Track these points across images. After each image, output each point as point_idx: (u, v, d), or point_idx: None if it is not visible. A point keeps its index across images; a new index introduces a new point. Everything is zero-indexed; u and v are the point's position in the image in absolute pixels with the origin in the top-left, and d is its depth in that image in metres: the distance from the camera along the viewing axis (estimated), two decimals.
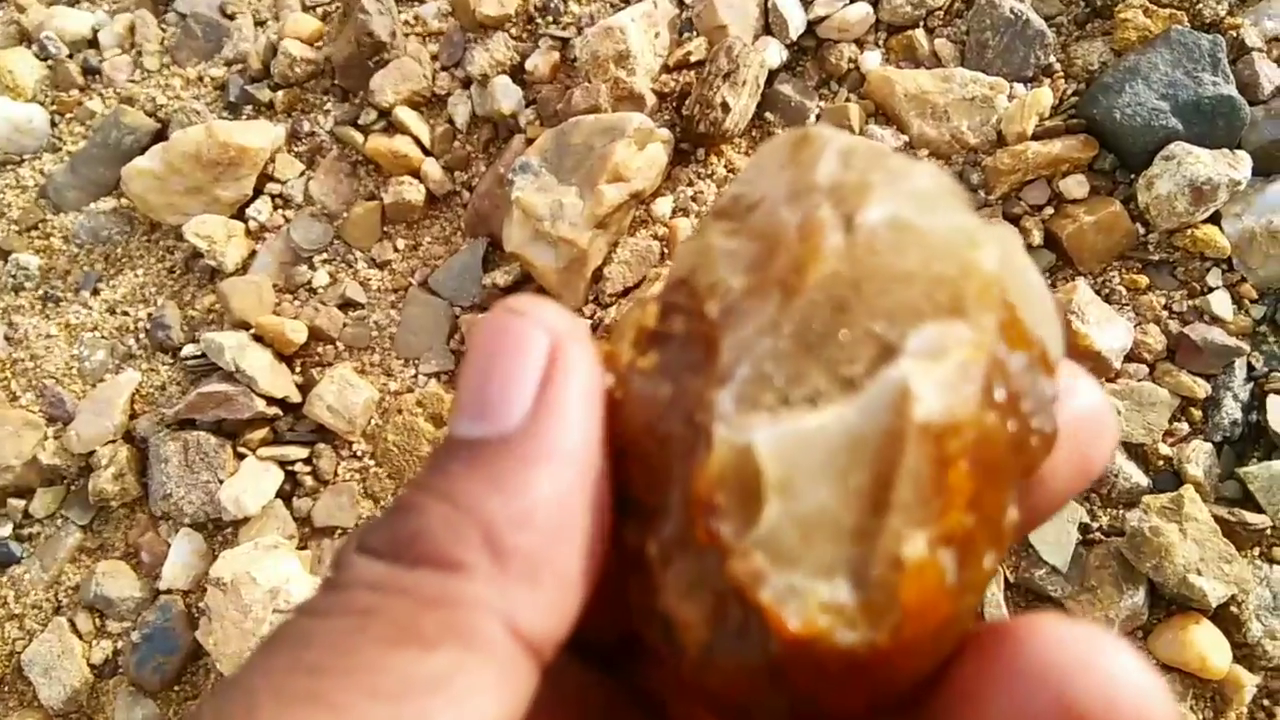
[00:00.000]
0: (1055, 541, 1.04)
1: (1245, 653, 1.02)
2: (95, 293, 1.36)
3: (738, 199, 0.28)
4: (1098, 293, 1.09)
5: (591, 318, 1.19)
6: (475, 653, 0.23)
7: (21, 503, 1.29)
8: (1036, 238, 1.11)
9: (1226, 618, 1.02)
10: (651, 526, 0.25)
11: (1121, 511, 1.05)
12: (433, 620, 0.23)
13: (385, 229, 1.30)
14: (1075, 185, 1.11)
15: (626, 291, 1.18)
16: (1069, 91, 1.15)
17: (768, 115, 1.21)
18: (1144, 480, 1.05)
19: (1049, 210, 1.13)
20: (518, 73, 1.27)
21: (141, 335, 1.32)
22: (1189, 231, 1.08)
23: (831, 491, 0.23)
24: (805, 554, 0.22)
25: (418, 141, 1.28)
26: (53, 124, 1.46)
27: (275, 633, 0.24)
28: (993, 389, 0.24)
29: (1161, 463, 1.06)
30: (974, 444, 0.23)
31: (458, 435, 0.25)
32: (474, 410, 0.25)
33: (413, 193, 1.26)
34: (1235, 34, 1.12)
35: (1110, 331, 1.05)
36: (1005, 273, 0.25)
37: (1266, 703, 1.04)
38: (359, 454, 1.21)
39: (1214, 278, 1.09)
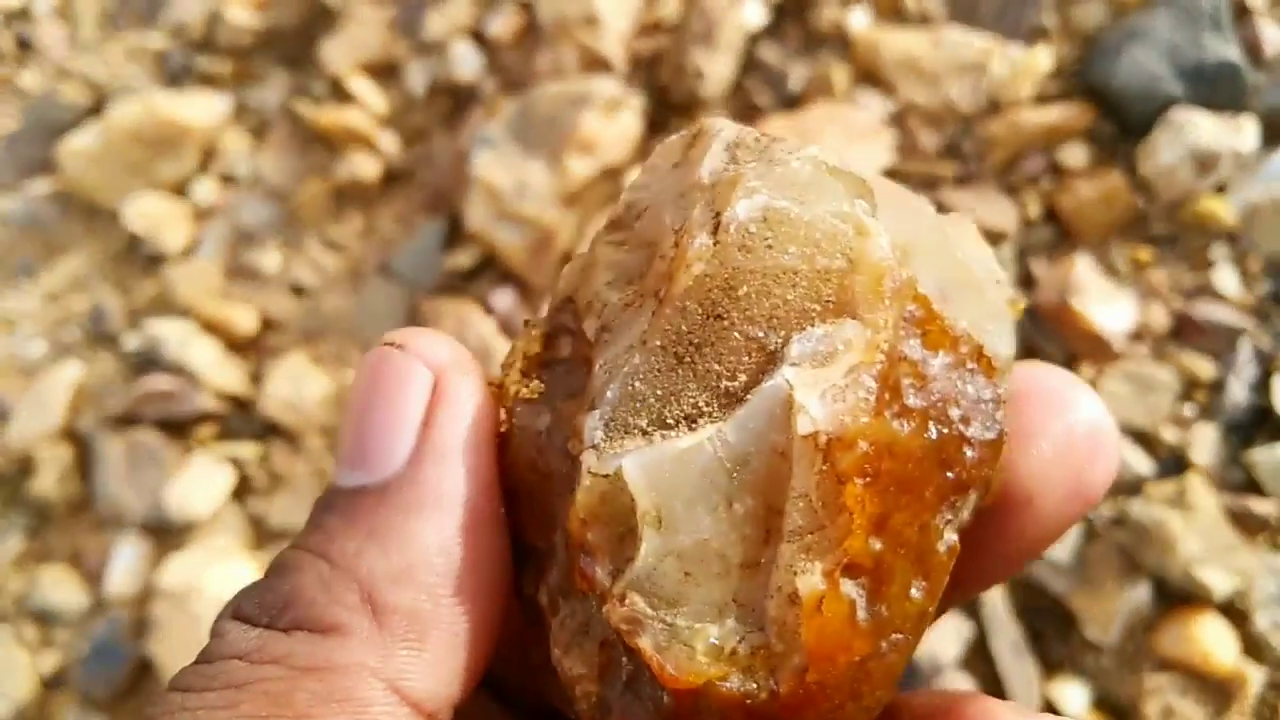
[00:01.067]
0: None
1: (1252, 645, 0.99)
2: (31, 279, 1.28)
3: (630, 206, 0.26)
4: (1100, 269, 1.04)
5: None
6: None
7: None
8: (1035, 211, 1.05)
9: (1232, 611, 0.98)
10: (543, 573, 0.23)
11: (1124, 500, 1.01)
12: (309, 690, 0.22)
13: (339, 208, 1.22)
14: (1073, 154, 1.06)
15: None
16: (1066, 55, 1.08)
17: (748, 81, 1.14)
18: (1147, 468, 1.00)
19: (1046, 181, 1.07)
20: (478, 38, 1.19)
21: (82, 325, 1.24)
22: (1193, 203, 1.02)
23: (714, 521, 0.21)
24: (689, 593, 0.20)
25: (372, 114, 1.20)
26: None
27: (149, 714, 0.23)
28: (898, 393, 0.22)
29: (1165, 449, 1.01)
30: (873, 457, 0.21)
31: (336, 484, 0.24)
32: (353, 458, 0.24)
33: (368, 168, 1.19)
34: None
35: (1112, 311, 1.00)
36: (920, 262, 0.23)
37: (1271, 697, 1.00)
38: (315, 451, 1.14)
39: (1219, 252, 1.03)
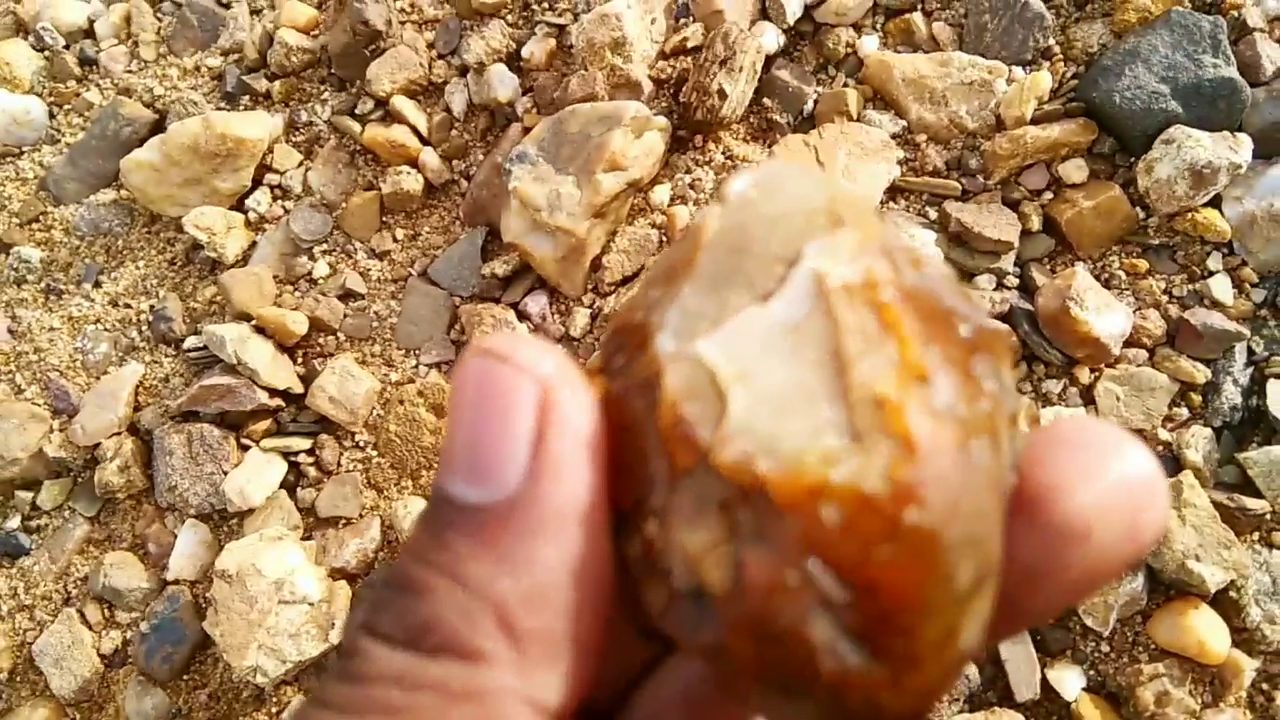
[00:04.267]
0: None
1: (1244, 637, 1.03)
2: (97, 285, 1.36)
3: (648, 276, 0.30)
4: (1097, 278, 1.09)
5: (590, 307, 1.19)
6: None
7: (29, 495, 1.30)
8: (1036, 223, 1.11)
9: (1225, 603, 1.02)
10: (644, 511, 0.24)
11: None
12: (463, 715, 0.23)
13: (384, 219, 1.30)
14: (1074, 169, 1.11)
15: (626, 280, 1.18)
16: (1068, 75, 1.14)
17: (765, 101, 1.20)
18: None
19: (1048, 195, 1.12)
20: (514, 60, 1.27)
21: (144, 327, 1.33)
22: (1189, 215, 1.07)
23: (789, 370, 0.23)
24: (784, 426, 0.22)
25: (415, 131, 1.28)
26: (51, 115, 1.46)
27: None
28: (902, 272, 0.25)
29: (1160, 448, 1.06)
30: (896, 289, 0.24)
31: (453, 497, 0.24)
32: (468, 471, 0.24)
33: (411, 182, 1.26)
34: (1237, 14, 1.11)
35: (1109, 317, 1.04)
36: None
37: (1266, 686, 1.04)
38: (361, 444, 1.22)
39: (1214, 261, 1.08)
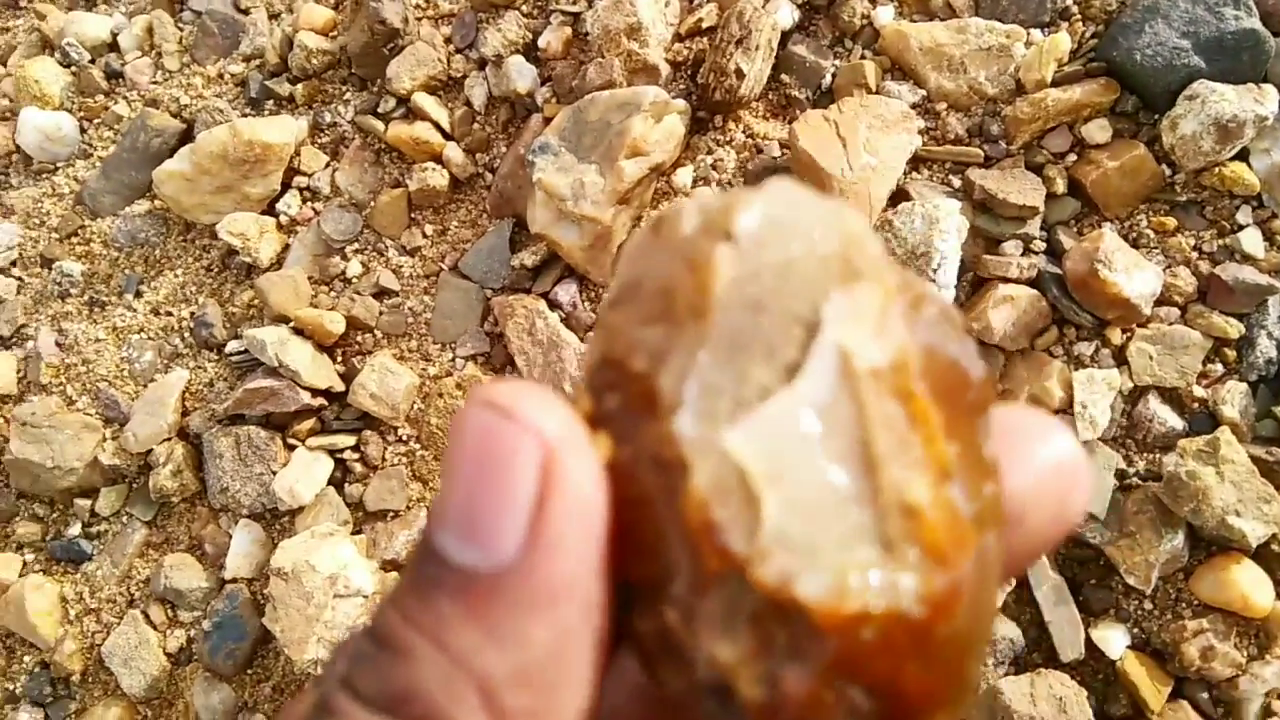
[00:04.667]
0: (1092, 489, 1.05)
1: None
2: (138, 295, 1.40)
3: (622, 287, 0.28)
4: (1125, 238, 1.09)
5: None
6: None
7: (87, 502, 1.34)
8: (1060, 186, 1.10)
9: (1268, 556, 1.03)
10: (662, 596, 0.23)
11: (1158, 456, 1.06)
12: None
13: (412, 215, 1.32)
14: (1097, 130, 1.10)
15: None
16: (1087, 34, 1.13)
17: (783, 77, 1.21)
18: (1179, 424, 1.06)
19: (1072, 157, 1.12)
20: (531, 51, 1.27)
21: (186, 334, 1.36)
22: (1216, 170, 1.07)
23: (818, 468, 0.23)
24: (819, 536, 0.22)
25: (438, 126, 1.29)
26: (82, 130, 1.49)
27: None
28: (915, 329, 0.25)
29: (1196, 405, 1.06)
30: (923, 371, 0.24)
31: (445, 555, 0.23)
32: (462, 530, 0.23)
33: (436, 178, 1.28)
34: None
35: (1139, 277, 1.04)
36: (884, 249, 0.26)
37: None
38: (404, 438, 1.25)
39: (1244, 215, 1.08)
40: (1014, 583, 1.05)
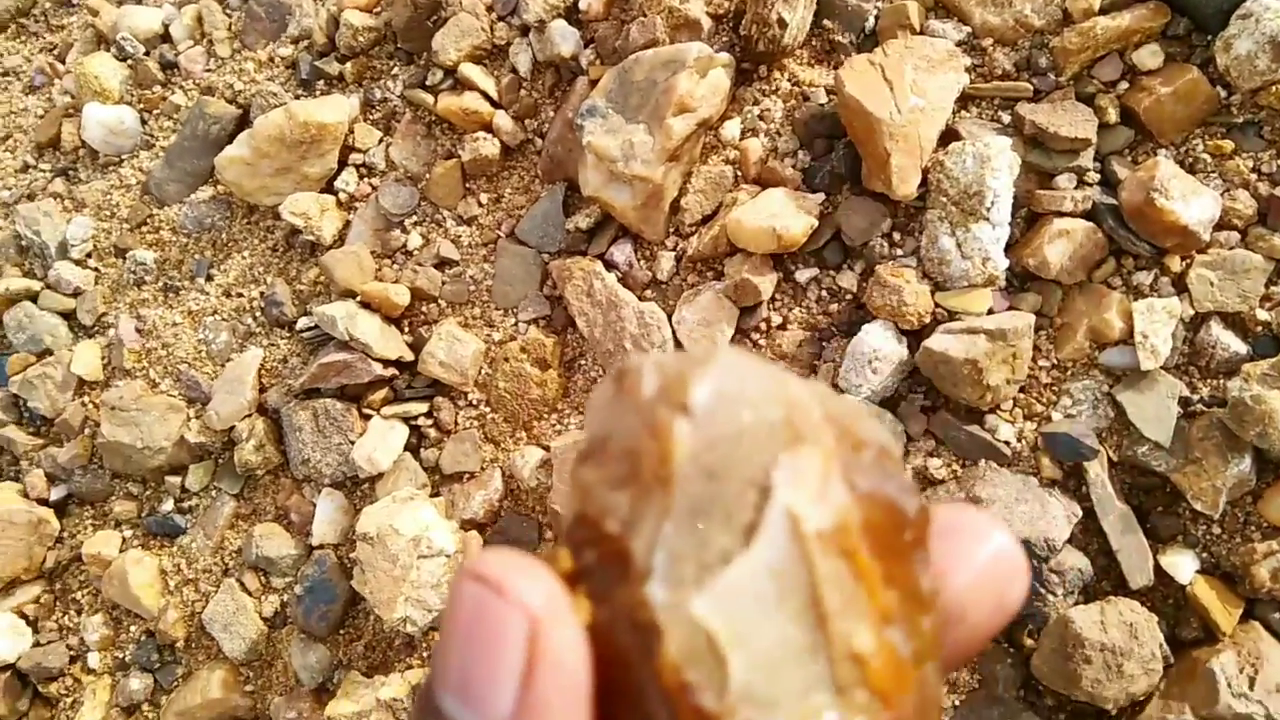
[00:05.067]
0: (1156, 417, 1.06)
1: None
2: (209, 278, 1.45)
3: (592, 440, 0.31)
4: (1180, 164, 1.08)
5: (674, 250, 1.22)
6: None
7: (178, 479, 1.41)
8: (1113, 115, 1.10)
9: None
10: None
11: (1221, 381, 1.06)
12: None
13: (467, 185, 1.35)
14: (1149, 56, 1.09)
15: (705, 219, 1.21)
16: None
17: (826, 23, 1.20)
18: (1242, 348, 1.05)
19: (1123, 85, 1.11)
20: (573, 14, 1.28)
21: (257, 313, 1.41)
22: (1273, 88, 1.05)
23: (777, 626, 0.26)
24: (779, 690, 0.25)
25: (485, 95, 1.32)
26: (143, 122, 1.54)
27: None
28: (854, 484, 0.28)
29: (1259, 329, 1.06)
30: (862, 530, 0.27)
31: (445, 712, 0.26)
32: (459, 691, 0.26)
33: (488, 147, 1.30)
34: None
35: (1196, 203, 1.04)
36: (826, 400, 0.29)
37: None
38: (474, 402, 1.29)
39: None
40: (1080, 514, 1.06)
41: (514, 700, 0.25)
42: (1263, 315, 1.06)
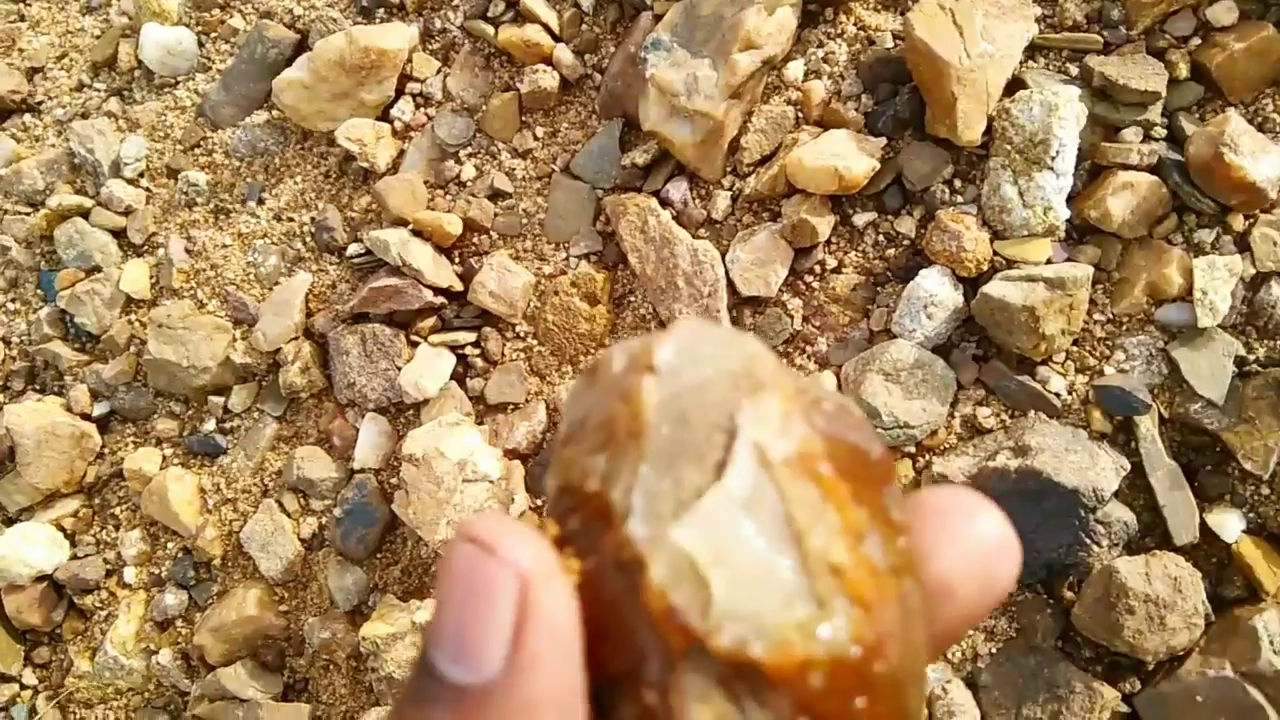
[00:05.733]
0: (1210, 375, 1.05)
1: None
2: (260, 202, 1.45)
3: (570, 424, 0.32)
4: (1250, 121, 1.07)
5: (731, 189, 1.22)
6: None
7: (220, 400, 1.42)
8: (1183, 70, 1.09)
9: None
10: (639, 682, 0.27)
11: (1278, 342, 1.05)
12: None
13: (523, 118, 1.34)
14: (1223, 12, 1.08)
15: (764, 159, 1.21)
16: None
17: None
18: None
19: (1195, 41, 1.10)
20: None
21: (307, 238, 1.41)
22: None
23: (755, 547, 0.27)
24: (761, 604, 0.26)
25: (547, 28, 1.31)
26: (200, 44, 1.54)
27: None
28: (815, 425, 0.29)
29: None
30: (827, 454, 0.29)
31: (439, 672, 0.26)
32: (453, 650, 0.26)
33: (547, 80, 1.30)
34: None
35: (1266, 161, 1.03)
36: (785, 369, 0.31)
37: None
38: (522, 334, 1.29)
39: None
40: (1127, 468, 1.06)
41: (505, 656, 0.26)
42: None
